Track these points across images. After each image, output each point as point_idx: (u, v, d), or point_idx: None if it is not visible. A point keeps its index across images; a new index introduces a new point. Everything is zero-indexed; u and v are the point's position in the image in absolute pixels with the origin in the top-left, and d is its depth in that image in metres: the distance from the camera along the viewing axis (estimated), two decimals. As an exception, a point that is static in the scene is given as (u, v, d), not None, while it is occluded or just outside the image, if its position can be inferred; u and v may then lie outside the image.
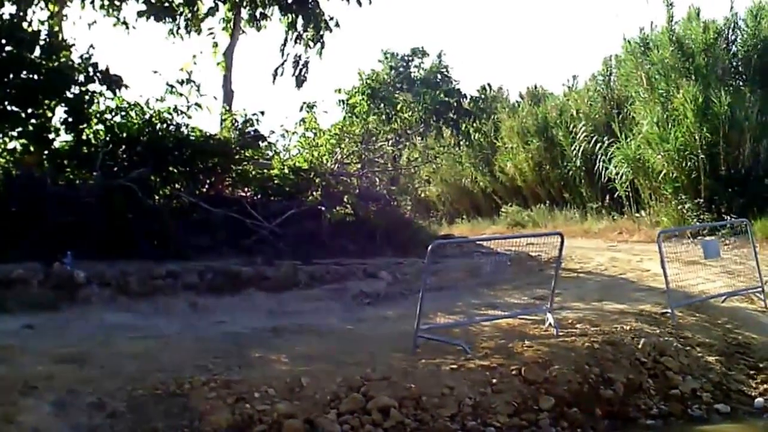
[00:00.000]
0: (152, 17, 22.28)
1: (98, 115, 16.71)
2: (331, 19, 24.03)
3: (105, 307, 11.61)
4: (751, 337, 10.24)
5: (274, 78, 24.62)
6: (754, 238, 13.05)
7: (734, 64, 20.96)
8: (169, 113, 16.99)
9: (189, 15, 23.19)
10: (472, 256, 15.16)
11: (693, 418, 8.50)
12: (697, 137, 19.43)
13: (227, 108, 20.56)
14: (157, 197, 16.18)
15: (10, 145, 16.34)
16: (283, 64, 24.53)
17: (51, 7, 20.52)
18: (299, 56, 24.45)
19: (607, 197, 24.74)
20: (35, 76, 16.03)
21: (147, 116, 16.81)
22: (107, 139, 16.52)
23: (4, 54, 15.63)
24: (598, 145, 24.62)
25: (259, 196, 17.93)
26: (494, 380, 8.36)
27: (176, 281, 12.82)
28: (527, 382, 8.41)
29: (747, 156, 19.28)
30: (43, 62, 16.13)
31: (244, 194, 17.92)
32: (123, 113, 16.86)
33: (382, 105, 26.90)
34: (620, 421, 8.36)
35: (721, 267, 13.20)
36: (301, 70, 24.54)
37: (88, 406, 7.17)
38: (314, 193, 17.55)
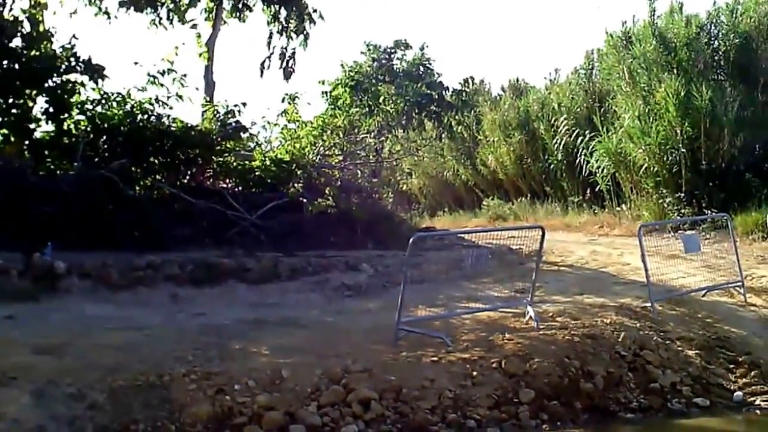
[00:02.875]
0: (133, 7, 22.15)
1: (79, 106, 16.57)
2: (315, 11, 23.99)
3: (85, 298, 11.54)
4: (730, 331, 10.33)
5: (262, 71, 24.63)
6: (734, 232, 13.14)
7: (716, 58, 21.00)
8: (151, 104, 16.88)
9: (171, 5, 23.07)
10: (453, 249, 15.19)
11: (672, 411, 8.58)
12: (678, 131, 19.47)
13: (209, 99, 20.46)
14: (137, 188, 16.07)
15: (-9, 135, 16.21)
16: (269, 56, 24.51)
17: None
18: (286, 48, 24.42)
19: (588, 191, 24.76)
20: (16, 66, 15.91)
21: (128, 107, 16.69)
22: (88, 129, 16.40)
23: (-17, 43, 15.52)
24: (580, 138, 24.62)
25: (240, 188, 17.85)
26: (475, 373, 8.40)
27: (157, 272, 12.75)
28: (507, 375, 8.45)
29: (727, 150, 19.34)
30: (24, 51, 16.01)
31: (225, 186, 17.80)
32: (104, 104, 16.74)
33: (364, 97, 26.96)
34: (600, 414, 8.43)
35: (702, 261, 13.23)
36: (288, 62, 24.50)
37: (68, 396, 7.14)
38: (296, 185, 17.48)
